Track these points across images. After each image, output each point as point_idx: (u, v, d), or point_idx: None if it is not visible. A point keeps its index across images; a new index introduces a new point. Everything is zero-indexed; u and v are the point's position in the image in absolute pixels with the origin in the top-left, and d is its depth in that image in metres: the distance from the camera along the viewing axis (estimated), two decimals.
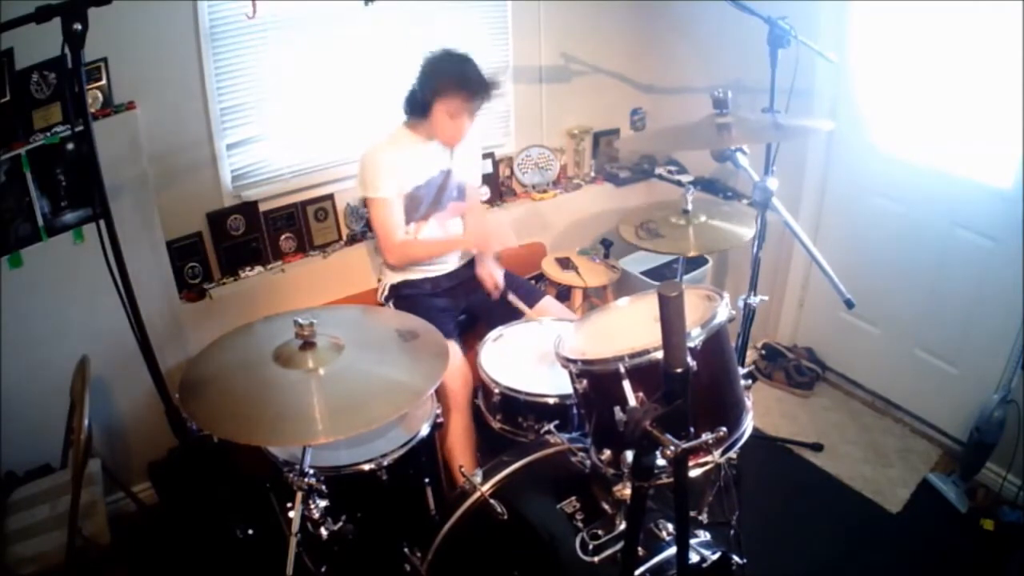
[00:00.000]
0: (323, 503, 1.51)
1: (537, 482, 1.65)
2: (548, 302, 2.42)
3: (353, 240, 2.78)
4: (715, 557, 1.42)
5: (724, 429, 1.10)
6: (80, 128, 1.27)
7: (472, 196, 2.51)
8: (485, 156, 3.01)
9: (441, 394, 1.99)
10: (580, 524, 1.51)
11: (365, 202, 2.26)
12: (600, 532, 1.46)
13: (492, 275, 2.36)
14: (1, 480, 2.04)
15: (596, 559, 1.41)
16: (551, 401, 1.84)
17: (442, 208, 2.35)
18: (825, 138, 2.78)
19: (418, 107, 2.15)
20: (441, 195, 2.33)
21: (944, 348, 2.61)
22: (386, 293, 2.40)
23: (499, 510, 1.56)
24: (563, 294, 2.96)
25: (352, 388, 1.39)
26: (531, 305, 2.38)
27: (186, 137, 2.36)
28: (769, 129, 1.92)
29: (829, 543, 2.25)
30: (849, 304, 1.64)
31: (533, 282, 2.84)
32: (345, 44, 2.56)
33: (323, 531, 1.52)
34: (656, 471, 1.08)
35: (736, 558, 1.49)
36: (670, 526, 1.45)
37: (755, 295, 2.08)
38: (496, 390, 1.91)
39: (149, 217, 2.23)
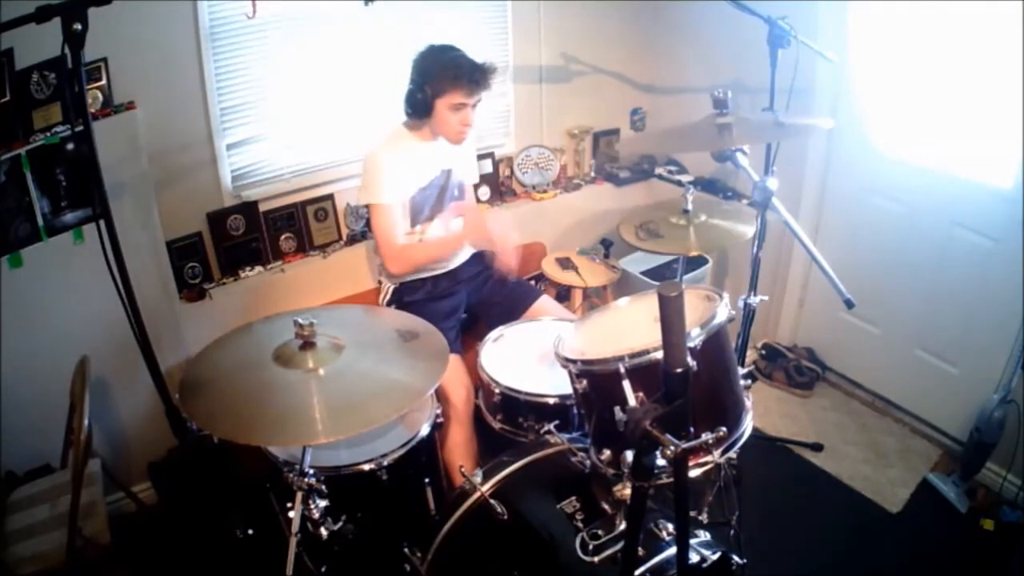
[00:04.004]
0: (323, 503, 1.51)
1: (537, 482, 1.65)
2: (547, 302, 2.42)
3: (353, 240, 2.78)
4: (715, 557, 1.42)
5: (724, 429, 1.10)
6: (80, 128, 1.27)
7: (468, 195, 2.51)
8: (485, 156, 3.01)
9: (443, 406, 1.98)
10: (580, 524, 1.51)
11: (367, 208, 2.24)
12: (600, 532, 1.46)
13: (507, 267, 2.23)
14: (1, 480, 2.04)
15: (596, 559, 1.41)
16: (551, 401, 1.84)
17: (444, 208, 2.34)
18: (825, 138, 2.78)
19: (419, 108, 2.13)
20: (443, 195, 2.32)
21: (944, 348, 2.61)
22: (388, 297, 2.38)
23: (499, 510, 1.56)
24: (563, 294, 2.96)
25: (352, 388, 1.39)
26: (528, 305, 2.37)
27: (186, 137, 2.36)
28: (769, 128, 1.92)
29: (829, 543, 2.25)
30: (849, 304, 1.64)
31: (532, 282, 2.84)
32: (345, 44, 2.56)
33: (323, 531, 1.52)
34: (656, 471, 1.08)
35: (736, 558, 1.49)
36: (670, 526, 1.45)
37: (755, 295, 2.09)
38: (496, 390, 1.91)
39: (149, 217, 2.23)
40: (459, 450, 2.07)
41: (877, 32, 2.53)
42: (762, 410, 2.86)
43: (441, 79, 2.06)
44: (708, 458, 1.23)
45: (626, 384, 1.27)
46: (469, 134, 2.20)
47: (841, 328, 2.92)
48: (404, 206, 2.23)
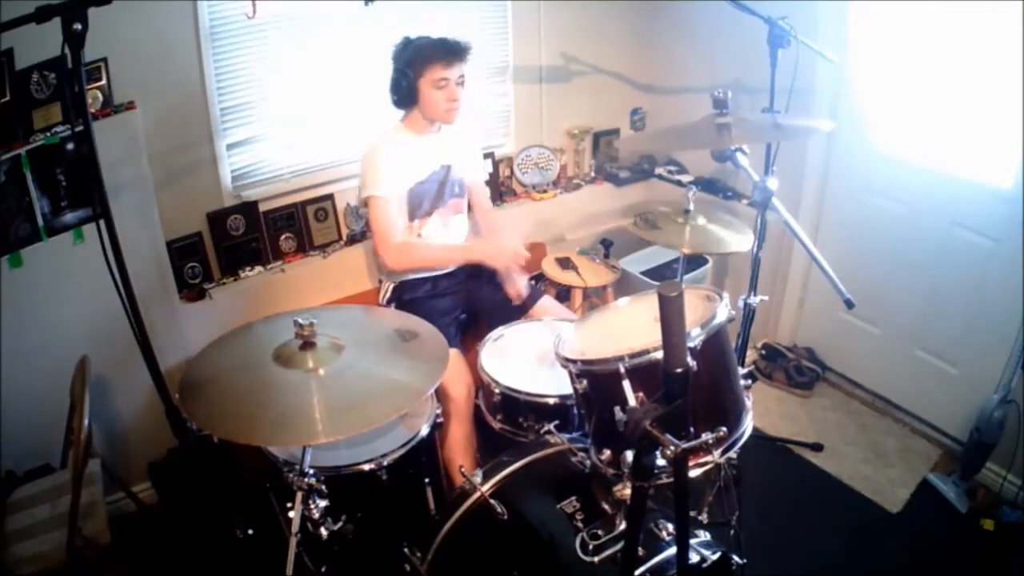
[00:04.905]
0: (323, 503, 1.51)
1: (537, 482, 1.65)
2: (547, 302, 2.42)
3: (353, 240, 2.78)
4: (715, 557, 1.42)
5: (724, 429, 1.10)
6: (80, 128, 1.27)
7: (479, 195, 2.49)
8: (486, 156, 3.00)
9: (443, 401, 1.98)
10: (580, 524, 1.51)
11: (365, 203, 2.25)
12: (600, 532, 1.46)
13: (518, 289, 2.30)
14: (1, 480, 2.04)
15: (596, 559, 1.40)
16: (551, 401, 1.84)
17: (444, 204, 2.35)
18: (825, 138, 2.78)
19: (405, 94, 2.17)
20: (443, 190, 2.33)
21: (944, 348, 2.61)
22: (388, 296, 2.39)
23: (499, 510, 1.56)
24: (563, 294, 2.96)
25: (352, 388, 1.39)
26: (530, 305, 2.37)
27: (186, 137, 2.36)
28: (769, 129, 1.92)
29: (829, 543, 2.25)
30: (849, 304, 1.64)
31: (533, 282, 2.83)
32: (345, 44, 2.56)
33: (323, 531, 1.52)
34: (656, 471, 1.08)
35: (736, 558, 1.49)
36: (670, 526, 1.45)
37: (755, 295, 2.08)
38: (496, 390, 1.91)
39: (149, 217, 2.23)
40: (459, 447, 2.07)
41: (877, 32, 2.53)
42: (762, 410, 2.86)
43: (417, 59, 2.12)
44: (708, 458, 1.23)
45: (626, 384, 1.27)
46: (458, 111, 2.22)
47: (841, 328, 2.92)
48: (402, 200, 2.24)
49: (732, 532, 1.81)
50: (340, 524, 1.56)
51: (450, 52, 2.12)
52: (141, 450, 2.37)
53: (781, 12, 1.99)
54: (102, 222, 1.33)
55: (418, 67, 2.12)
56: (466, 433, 2.09)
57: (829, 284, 1.65)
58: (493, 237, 2.44)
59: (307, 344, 1.42)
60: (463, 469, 1.67)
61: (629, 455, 1.07)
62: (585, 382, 1.39)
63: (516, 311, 2.35)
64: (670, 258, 3.11)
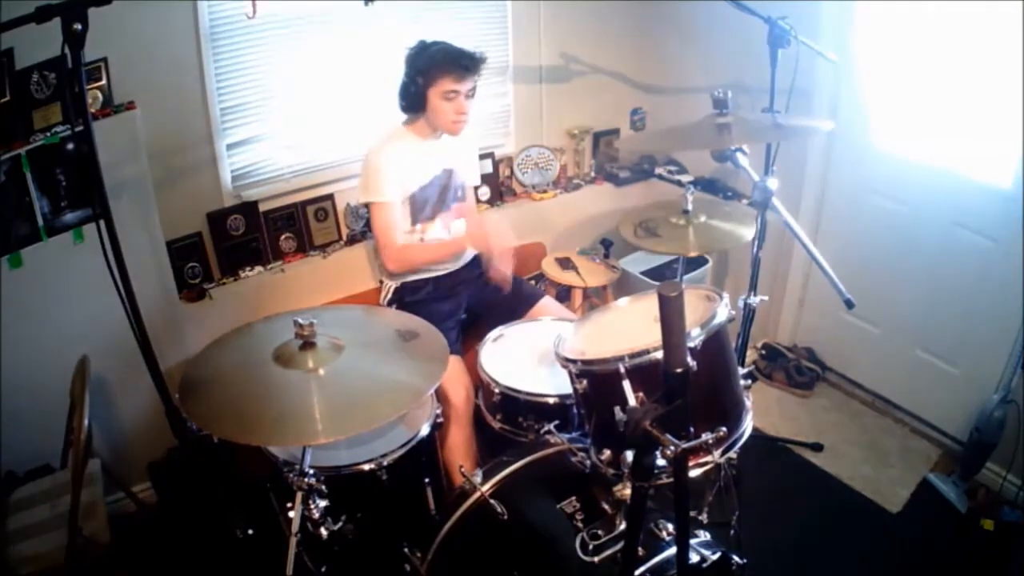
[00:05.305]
0: (323, 503, 1.51)
1: (537, 482, 1.65)
2: (547, 302, 2.42)
3: (353, 240, 2.77)
4: (715, 557, 1.42)
5: (724, 429, 1.11)
6: (80, 128, 1.27)
7: (468, 199, 2.50)
8: (485, 156, 3.01)
9: (443, 406, 1.98)
10: (580, 524, 1.51)
11: (367, 206, 2.24)
12: (600, 532, 1.46)
13: (503, 276, 2.28)
14: (1, 480, 2.04)
15: (596, 559, 1.41)
16: (551, 401, 1.84)
17: (447, 208, 2.34)
18: (825, 138, 2.78)
19: (413, 101, 2.15)
20: (445, 194, 2.33)
21: (944, 348, 2.61)
22: (389, 297, 2.39)
23: (499, 510, 1.56)
24: (563, 294, 2.96)
25: (352, 388, 1.39)
26: (531, 306, 2.37)
27: (186, 137, 2.36)
28: (769, 129, 1.92)
29: (829, 543, 2.25)
30: (849, 304, 1.64)
31: (533, 282, 2.84)
32: (345, 44, 2.56)
33: (323, 531, 1.52)
34: (656, 471, 1.08)
35: (736, 558, 1.49)
36: (670, 526, 1.45)
37: (755, 295, 2.08)
38: (496, 390, 1.91)
39: (149, 217, 2.23)
40: (459, 450, 2.07)
41: (879, 32, 2.53)
42: (762, 410, 2.86)
43: (431, 68, 2.09)
44: (708, 458, 1.23)
45: (626, 384, 1.28)
46: (466, 124, 2.20)
47: (841, 328, 2.92)
48: (404, 204, 2.23)
49: (732, 532, 1.82)
50: (340, 524, 1.56)
51: (464, 65, 2.08)
52: (141, 450, 2.37)
53: (781, 12, 1.99)
54: (102, 222, 1.33)
55: (429, 76, 2.09)
56: (466, 437, 2.10)
57: (829, 284, 1.65)
58: (477, 223, 2.44)
59: (307, 344, 1.42)
60: (463, 469, 1.67)
61: (629, 455, 1.07)
62: (585, 382, 1.39)
63: (516, 311, 2.35)
64: (670, 258, 3.11)
